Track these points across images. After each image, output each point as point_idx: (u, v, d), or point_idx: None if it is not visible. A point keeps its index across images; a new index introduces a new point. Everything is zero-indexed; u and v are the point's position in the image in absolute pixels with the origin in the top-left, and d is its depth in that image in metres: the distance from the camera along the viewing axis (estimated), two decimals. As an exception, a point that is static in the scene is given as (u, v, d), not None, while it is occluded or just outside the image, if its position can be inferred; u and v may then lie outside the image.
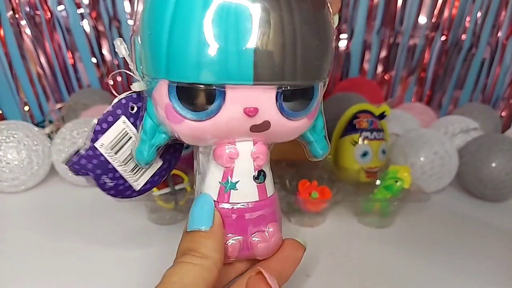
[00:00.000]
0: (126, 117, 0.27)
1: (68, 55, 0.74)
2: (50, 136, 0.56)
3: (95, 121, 0.27)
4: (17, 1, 0.68)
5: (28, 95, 0.73)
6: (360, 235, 0.46)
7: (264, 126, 0.24)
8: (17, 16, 0.69)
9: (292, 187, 0.48)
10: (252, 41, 0.21)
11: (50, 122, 0.66)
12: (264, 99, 0.23)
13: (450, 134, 0.64)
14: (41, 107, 0.75)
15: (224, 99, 0.22)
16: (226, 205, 0.26)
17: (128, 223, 0.46)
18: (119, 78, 0.78)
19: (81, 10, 0.72)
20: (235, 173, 0.26)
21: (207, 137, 0.24)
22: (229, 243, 0.26)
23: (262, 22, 0.21)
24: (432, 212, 0.52)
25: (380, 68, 0.84)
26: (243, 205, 0.26)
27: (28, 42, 0.70)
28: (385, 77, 0.85)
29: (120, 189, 0.29)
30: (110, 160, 0.28)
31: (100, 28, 0.74)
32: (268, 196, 0.27)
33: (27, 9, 0.69)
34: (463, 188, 0.59)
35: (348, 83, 0.80)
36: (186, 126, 0.23)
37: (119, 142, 0.28)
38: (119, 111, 0.27)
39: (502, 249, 0.45)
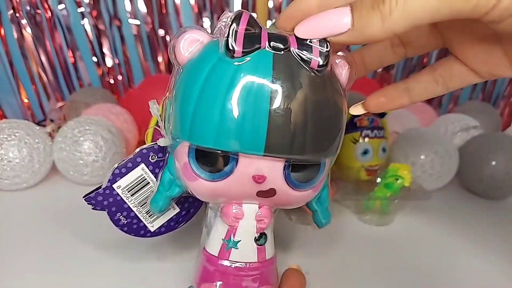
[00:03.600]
0: (145, 165, 0.31)
1: (69, 53, 0.74)
2: (51, 135, 0.56)
3: (116, 165, 0.30)
4: (17, 0, 0.68)
5: (29, 93, 0.73)
6: (360, 233, 0.46)
7: (270, 193, 0.26)
8: (17, 15, 0.69)
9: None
10: (266, 118, 0.23)
11: (51, 120, 0.66)
12: (272, 169, 0.25)
13: (451, 133, 0.64)
14: (42, 105, 0.75)
15: (236, 165, 0.25)
16: (225, 262, 0.28)
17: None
18: (119, 77, 0.78)
19: (82, 9, 0.72)
20: (238, 232, 0.28)
21: (217, 196, 0.27)
22: None
23: (277, 103, 0.23)
24: (432, 210, 0.52)
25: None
26: (241, 264, 0.28)
27: (28, 41, 0.70)
28: (386, 76, 0.85)
29: (134, 227, 0.32)
30: (126, 200, 0.31)
31: (101, 27, 0.74)
32: (267, 258, 0.28)
33: (28, 8, 0.69)
34: (463, 186, 0.59)
35: (348, 82, 0.80)
36: (199, 184, 0.26)
37: (136, 186, 0.31)
38: (139, 159, 0.30)
39: (502, 247, 0.45)
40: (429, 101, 0.86)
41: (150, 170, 0.31)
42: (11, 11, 0.68)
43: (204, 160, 0.25)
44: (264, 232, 0.28)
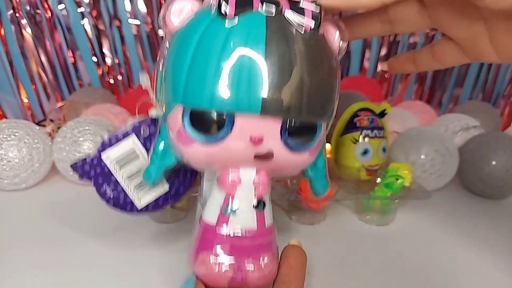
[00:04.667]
0: (137, 138, 0.30)
1: (69, 54, 0.74)
2: (51, 135, 0.56)
3: (106, 136, 0.28)
4: (17, 0, 0.68)
5: (29, 93, 0.73)
6: (360, 233, 0.46)
7: (268, 156, 0.25)
8: (17, 15, 0.69)
9: (293, 185, 0.48)
10: (262, 78, 0.23)
11: (51, 120, 0.66)
12: (270, 130, 0.24)
13: (451, 132, 0.64)
14: (42, 105, 0.75)
15: (232, 127, 0.24)
16: (223, 230, 0.27)
17: (129, 221, 0.46)
18: (119, 77, 0.78)
19: (82, 9, 0.72)
20: (236, 199, 0.27)
21: (213, 161, 0.26)
22: (223, 269, 0.26)
23: (272, 64, 0.23)
24: (432, 210, 0.52)
25: (380, 67, 0.84)
26: (240, 232, 0.27)
27: (28, 41, 0.70)
28: (385, 76, 0.85)
29: (120, 202, 0.31)
30: (113, 173, 0.30)
31: (101, 27, 0.74)
32: (266, 226, 0.28)
33: (28, 8, 0.69)
34: (463, 186, 0.59)
35: (348, 82, 0.80)
36: (195, 149, 0.25)
37: (126, 158, 0.30)
38: (130, 131, 0.30)
39: (502, 247, 0.45)
40: (429, 101, 0.86)
41: (141, 143, 0.30)
42: (11, 11, 0.68)
43: (199, 123, 0.25)
44: (263, 199, 0.27)
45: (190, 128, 0.25)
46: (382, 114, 0.52)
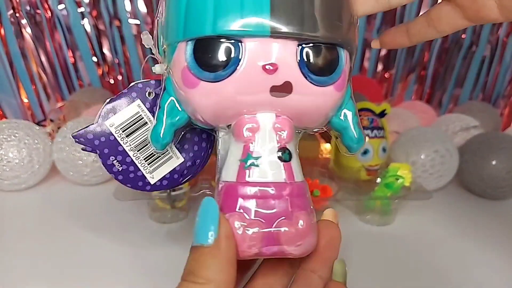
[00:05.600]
0: (142, 102, 0.27)
1: (69, 54, 0.74)
2: (51, 135, 0.56)
3: (108, 100, 0.26)
4: (17, 0, 0.68)
5: (29, 94, 0.73)
6: (361, 233, 0.46)
7: (286, 87, 0.22)
8: (17, 15, 0.69)
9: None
10: None
11: (51, 120, 0.66)
12: (284, 55, 0.22)
13: (451, 132, 0.64)
14: (42, 106, 0.75)
15: (241, 56, 0.21)
16: (247, 185, 0.23)
17: (130, 222, 0.46)
18: (119, 77, 0.78)
19: (82, 9, 0.72)
20: (256, 148, 0.23)
21: (224, 104, 0.23)
22: (249, 232, 0.22)
23: None
24: (433, 210, 0.52)
25: (380, 67, 0.84)
26: (266, 186, 0.23)
27: (28, 41, 0.70)
28: (385, 76, 0.85)
29: (130, 176, 0.27)
30: (120, 142, 0.27)
31: (101, 27, 0.74)
32: (296, 180, 0.24)
33: (28, 8, 0.69)
34: (463, 186, 0.59)
35: (348, 82, 0.80)
36: (203, 90, 0.22)
37: (132, 125, 0.27)
38: (134, 94, 0.27)
39: (502, 247, 0.45)
40: (429, 101, 0.86)
41: (147, 108, 0.27)
42: (11, 11, 0.68)
43: (205, 58, 0.22)
44: (287, 148, 0.24)
45: (194, 65, 0.22)
46: (382, 114, 0.52)
